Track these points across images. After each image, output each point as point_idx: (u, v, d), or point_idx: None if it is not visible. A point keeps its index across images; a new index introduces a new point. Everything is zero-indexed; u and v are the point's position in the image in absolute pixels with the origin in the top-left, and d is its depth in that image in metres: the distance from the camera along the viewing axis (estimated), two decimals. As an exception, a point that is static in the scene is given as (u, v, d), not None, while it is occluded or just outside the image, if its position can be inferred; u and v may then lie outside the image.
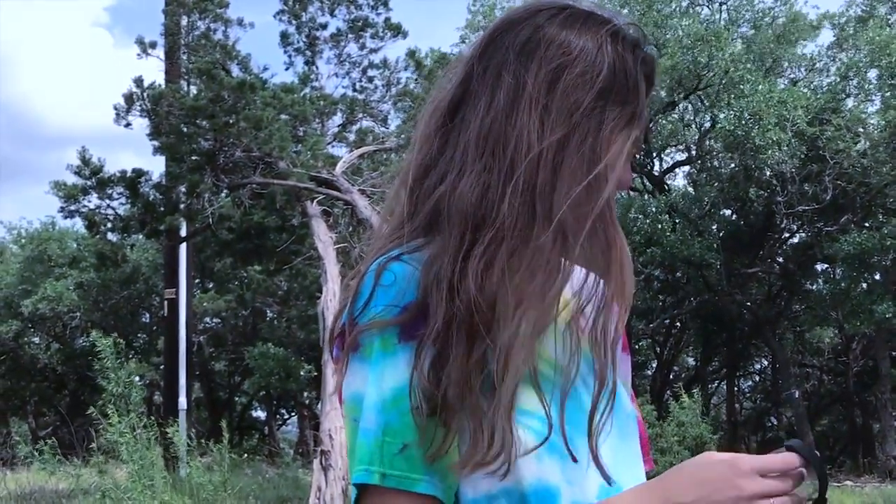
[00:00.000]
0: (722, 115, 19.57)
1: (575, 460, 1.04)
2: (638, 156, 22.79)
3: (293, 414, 34.70)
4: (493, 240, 1.01)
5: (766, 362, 33.26)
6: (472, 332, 0.99)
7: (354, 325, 1.03)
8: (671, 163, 24.89)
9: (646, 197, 22.43)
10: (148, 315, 30.77)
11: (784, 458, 1.04)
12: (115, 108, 12.98)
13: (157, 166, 28.19)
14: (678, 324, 29.60)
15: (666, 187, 23.09)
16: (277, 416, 35.67)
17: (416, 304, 1.01)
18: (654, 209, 20.63)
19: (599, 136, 1.04)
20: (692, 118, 23.22)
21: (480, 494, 1.01)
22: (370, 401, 1.00)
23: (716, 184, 22.41)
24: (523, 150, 1.02)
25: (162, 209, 13.03)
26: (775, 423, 32.31)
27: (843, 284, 21.31)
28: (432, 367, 0.98)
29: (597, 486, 1.07)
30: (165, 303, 16.77)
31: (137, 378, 16.32)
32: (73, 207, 13.78)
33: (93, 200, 13.88)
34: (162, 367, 21.26)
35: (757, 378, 36.05)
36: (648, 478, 1.33)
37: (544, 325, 1.03)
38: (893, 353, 27.25)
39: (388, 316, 1.01)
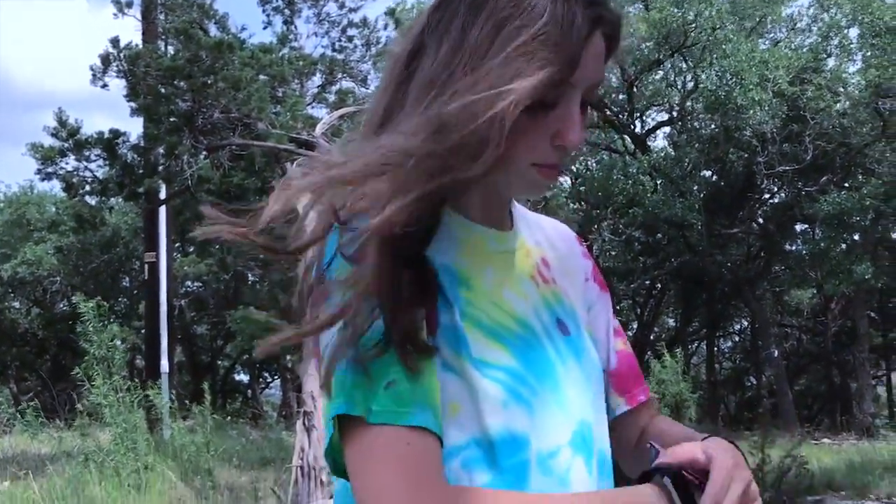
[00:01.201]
0: (704, 76, 19.54)
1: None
2: (620, 116, 22.79)
3: (276, 377, 34.79)
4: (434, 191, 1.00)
5: (745, 323, 33.54)
6: (419, 283, 1.00)
7: (322, 280, 1.03)
8: (653, 123, 24.90)
9: (627, 158, 22.43)
10: (128, 279, 30.67)
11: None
12: (92, 69, 12.82)
13: (134, 128, 27.97)
14: (658, 285, 29.77)
15: (648, 148, 23.09)
16: (260, 380, 35.74)
17: None
18: (635, 170, 20.64)
19: (523, 76, 1.01)
20: (675, 78, 23.19)
21: (451, 445, 1.01)
22: (344, 341, 0.98)
23: (696, 145, 22.44)
24: (451, 101, 1.00)
25: (140, 171, 12.91)
26: (754, 382, 32.65)
27: (822, 245, 21.47)
28: (401, 326, 0.98)
29: (569, 433, 1.08)
30: (146, 266, 16.69)
31: (119, 342, 16.26)
32: (50, 170, 13.65)
33: (70, 163, 13.76)
34: (143, 331, 21.22)
35: (736, 338, 36.40)
36: (642, 406, 1.31)
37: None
38: (871, 314, 27.56)
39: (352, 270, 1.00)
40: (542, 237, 1.24)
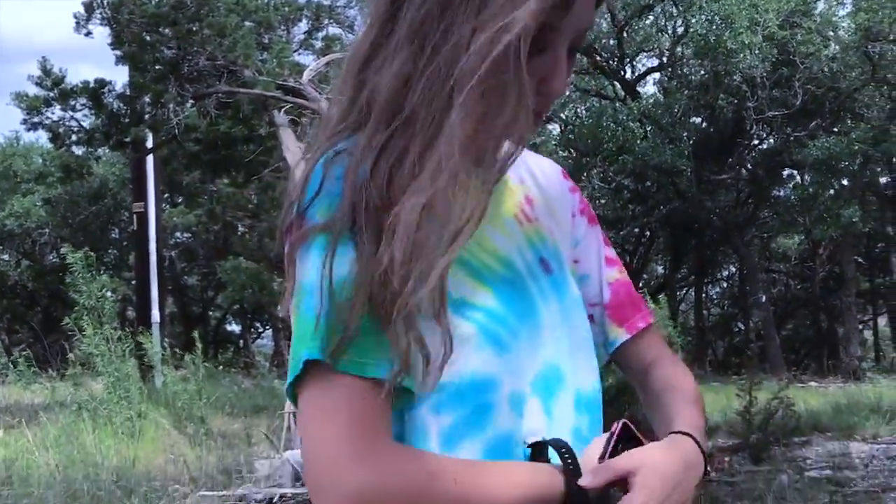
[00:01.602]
0: (694, 20, 19.40)
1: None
2: (610, 62, 22.63)
3: (268, 327, 34.91)
4: (404, 133, 0.98)
5: (733, 269, 33.71)
6: (377, 233, 0.96)
7: (303, 218, 1.01)
8: (643, 69, 24.76)
9: (617, 105, 22.34)
10: (117, 231, 30.58)
11: None
12: (76, 17, 12.64)
13: (120, 77, 27.68)
14: (648, 232, 29.84)
15: (638, 94, 23.00)
16: (252, 330, 35.87)
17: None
18: (625, 117, 20.56)
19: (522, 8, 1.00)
20: (665, 23, 23.02)
21: (427, 388, 1.00)
22: (312, 284, 0.98)
23: (686, 91, 22.34)
24: (451, 41, 0.98)
25: (126, 120, 12.80)
26: (742, 328, 32.91)
27: (810, 190, 21.52)
28: (371, 272, 0.96)
29: (532, 375, 1.08)
30: (134, 217, 16.63)
31: (109, 292, 16.25)
32: (36, 120, 13.51)
33: (56, 112, 13.61)
34: (133, 282, 21.23)
35: (725, 284, 36.59)
36: (644, 332, 1.31)
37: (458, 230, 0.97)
38: (859, 259, 27.72)
39: (334, 209, 0.99)
40: (527, 174, 1.22)
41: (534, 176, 1.23)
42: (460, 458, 1.01)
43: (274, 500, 5.44)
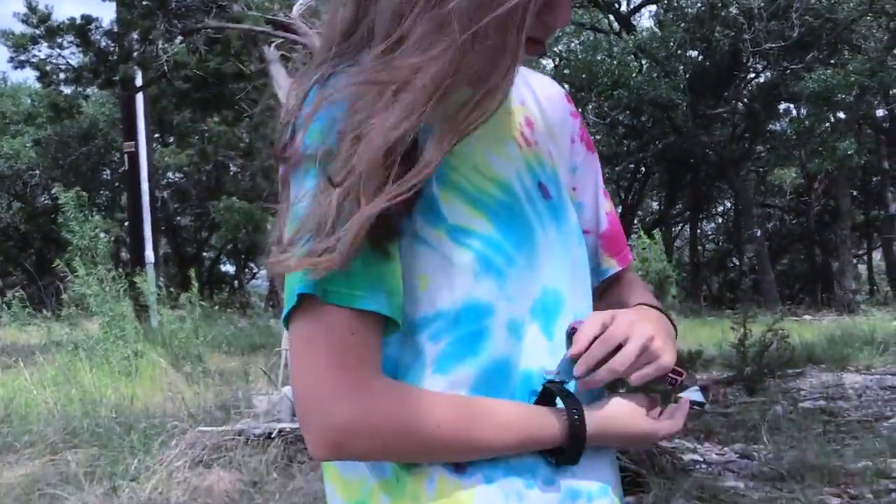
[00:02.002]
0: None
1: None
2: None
3: (262, 267, 34.95)
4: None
5: (728, 204, 33.77)
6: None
7: (297, 140, 0.99)
8: (639, 2, 24.46)
9: (612, 38, 22.10)
10: (109, 171, 30.43)
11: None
12: (59, -49, 12.40)
13: (107, 14, 27.28)
14: (643, 168, 29.80)
15: (633, 27, 22.74)
16: (246, 270, 35.89)
17: None
18: (620, 50, 20.36)
19: None
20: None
21: (419, 317, 1.00)
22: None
23: (682, 24, 22.11)
24: None
25: (115, 58, 12.59)
26: (737, 263, 33.05)
27: (806, 123, 21.41)
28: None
29: (531, 300, 1.06)
30: (125, 156, 16.49)
31: (103, 233, 16.19)
32: (23, 58, 13.33)
33: (43, 50, 13.44)
34: (126, 223, 21.14)
35: (720, 220, 36.70)
36: (628, 266, 1.32)
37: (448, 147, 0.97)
38: (854, 192, 27.73)
39: (330, 130, 0.96)
40: (529, 95, 1.18)
41: (536, 97, 1.20)
42: (453, 381, 1.01)
43: (272, 435, 5.47)
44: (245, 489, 4.81)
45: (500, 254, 1.02)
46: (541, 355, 1.06)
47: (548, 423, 1.03)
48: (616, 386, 1.09)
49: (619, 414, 1.08)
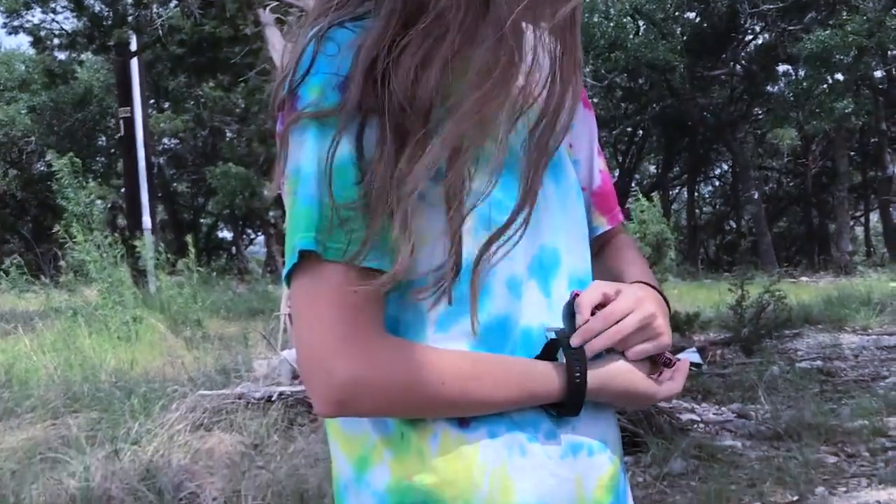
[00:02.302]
0: None
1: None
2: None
3: (259, 233, 34.92)
4: (432, 32, 0.94)
5: (726, 167, 33.71)
6: (399, 132, 0.94)
7: (294, 96, 0.98)
8: (635, -37, 24.24)
9: None
10: (104, 138, 30.29)
11: None
12: (52, -86, 12.26)
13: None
14: (640, 131, 29.69)
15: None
16: (244, 236, 35.89)
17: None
18: (617, 12, 20.20)
19: None
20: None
21: (418, 276, 1.00)
22: (309, 171, 0.96)
23: (679, -15, 21.95)
24: None
25: (109, 22, 12.50)
26: (734, 226, 33.06)
27: (804, 84, 21.31)
28: (371, 156, 0.95)
29: (528, 257, 1.06)
30: (121, 122, 16.37)
31: (99, 200, 16.16)
32: (16, 23, 13.21)
33: (36, 15, 13.32)
34: (123, 189, 21.09)
35: (717, 183, 36.64)
36: (619, 225, 1.32)
37: (484, 134, 0.98)
38: (851, 154, 27.67)
39: (329, 85, 0.96)
40: (528, 50, 1.18)
41: (535, 52, 1.18)
42: (454, 338, 1.01)
43: (273, 398, 5.49)
44: (246, 451, 4.83)
45: (501, 211, 1.01)
46: (539, 313, 1.06)
47: (549, 378, 1.03)
48: (612, 358, 1.10)
49: (620, 372, 1.08)
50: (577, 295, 1.06)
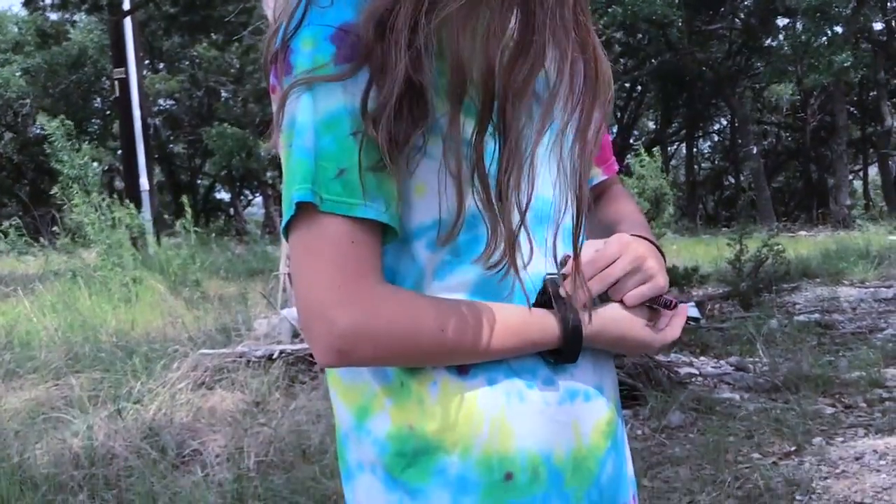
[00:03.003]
0: None
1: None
2: None
3: (257, 194, 34.84)
4: None
5: (724, 122, 33.57)
6: (398, 84, 0.93)
7: (287, 49, 0.97)
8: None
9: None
10: (100, 100, 30.12)
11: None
12: None
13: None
14: (639, 87, 29.53)
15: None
16: (241, 197, 35.80)
17: (353, 26, 0.95)
18: (614, -34, 20.00)
19: None
20: None
21: (417, 226, 1.01)
22: (304, 124, 0.95)
23: (677, -63, 21.69)
24: None
25: (101, -19, 12.37)
26: (733, 181, 32.99)
27: (803, 38, 21.16)
28: (374, 108, 0.94)
29: (524, 208, 1.05)
30: (116, 83, 16.25)
31: (95, 163, 16.06)
32: (6, -16, 13.03)
33: (27, -25, 13.14)
34: (120, 151, 21.01)
35: (716, 138, 36.51)
36: (614, 176, 1.32)
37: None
38: (850, 108, 27.54)
39: (321, 37, 0.95)
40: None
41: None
42: (451, 288, 1.02)
43: (273, 356, 5.51)
44: (248, 409, 4.87)
45: (496, 161, 1.00)
46: (536, 263, 1.06)
47: (546, 325, 1.04)
48: (609, 306, 1.10)
49: (618, 319, 1.09)
50: (569, 257, 1.07)
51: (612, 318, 1.09)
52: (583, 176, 1.05)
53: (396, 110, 0.93)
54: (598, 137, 1.19)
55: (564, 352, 1.05)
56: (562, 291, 1.05)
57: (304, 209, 0.95)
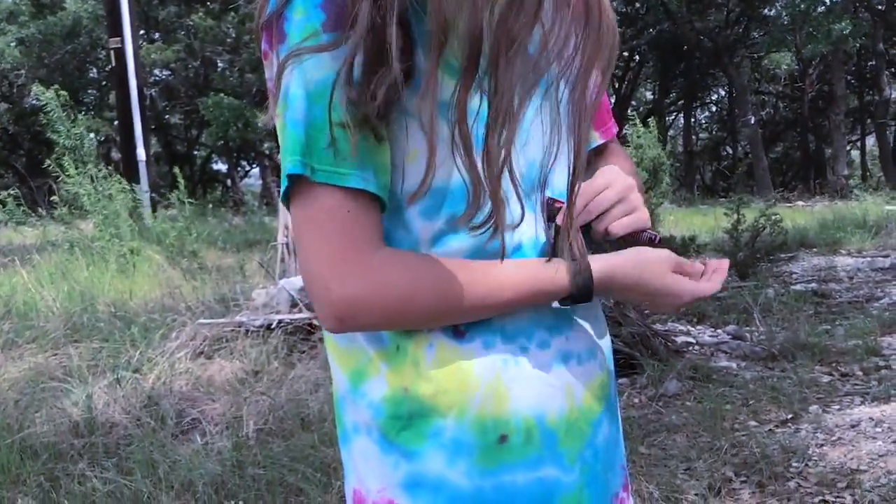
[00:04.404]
0: None
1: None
2: None
3: (254, 165, 34.73)
4: None
5: (722, 92, 33.43)
6: (387, 54, 0.93)
7: (280, 16, 0.97)
8: None
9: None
10: (96, 70, 29.93)
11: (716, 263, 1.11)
12: None
13: None
14: (637, 57, 29.38)
15: None
16: (239, 168, 35.68)
17: None
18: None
19: None
20: None
21: (410, 188, 1.00)
22: (295, 95, 0.95)
23: None
24: None
25: (95, -50, 12.25)
26: (730, 151, 32.92)
27: (802, 6, 21.02)
28: (360, 73, 0.93)
29: (519, 174, 1.05)
30: (111, 53, 16.13)
31: (92, 134, 15.99)
32: (-1, -48, 12.93)
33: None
34: (116, 122, 20.89)
35: (713, 108, 36.38)
36: (612, 139, 1.31)
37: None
38: (849, 77, 27.43)
39: (312, 4, 0.95)
40: None
41: None
42: (446, 255, 1.03)
43: (272, 326, 5.53)
44: (246, 378, 4.89)
45: (480, 120, 0.99)
46: (528, 229, 1.07)
47: (553, 270, 1.04)
48: (600, 242, 1.10)
49: (639, 262, 1.08)
50: (553, 199, 1.07)
51: (627, 261, 1.08)
52: (580, 134, 1.03)
53: (381, 74, 0.93)
54: (599, 95, 1.19)
55: (576, 295, 1.05)
56: (556, 220, 1.05)
57: (299, 181, 0.96)
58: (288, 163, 0.96)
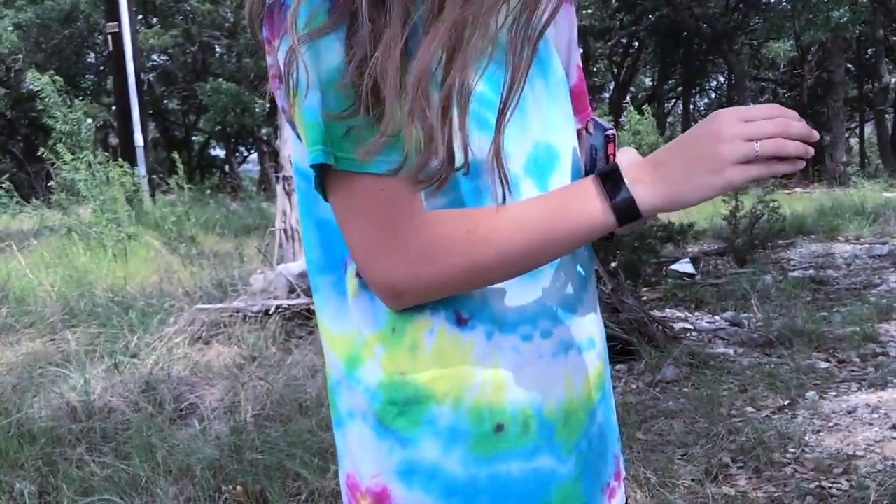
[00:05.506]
0: None
1: None
2: None
3: (252, 151, 34.68)
4: None
5: (722, 79, 33.38)
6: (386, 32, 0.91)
7: (283, 4, 0.96)
8: None
9: None
10: (93, 55, 29.84)
11: (769, 106, 1.01)
12: None
13: None
14: (636, 43, 29.31)
15: None
16: (236, 154, 35.62)
17: None
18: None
19: None
20: None
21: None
22: (310, 83, 0.94)
23: None
24: None
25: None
26: (729, 138, 32.82)
27: (802, -7, 20.99)
28: (360, 53, 0.92)
29: (524, 156, 1.05)
30: (109, 38, 16.08)
31: (90, 119, 15.93)
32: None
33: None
34: (114, 107, 20.85)
35: (712, 95, 36.32)
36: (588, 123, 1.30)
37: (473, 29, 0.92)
38: (848, 64, 27.38)
39: None
40: None
41: None
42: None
43: (270, 311, 5.53)
44: (244, 363, 4.89)
45: (491, 110, 0.98)
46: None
47: (587, 191, 0.99)
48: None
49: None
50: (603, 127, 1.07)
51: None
52: (522, 49, 0.96)
53: (383, 52, 0.91)
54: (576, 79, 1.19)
55: (621, 213, 0.98)
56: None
57: (328, 170, 0.96)
58: (311, 153, 0.95)
